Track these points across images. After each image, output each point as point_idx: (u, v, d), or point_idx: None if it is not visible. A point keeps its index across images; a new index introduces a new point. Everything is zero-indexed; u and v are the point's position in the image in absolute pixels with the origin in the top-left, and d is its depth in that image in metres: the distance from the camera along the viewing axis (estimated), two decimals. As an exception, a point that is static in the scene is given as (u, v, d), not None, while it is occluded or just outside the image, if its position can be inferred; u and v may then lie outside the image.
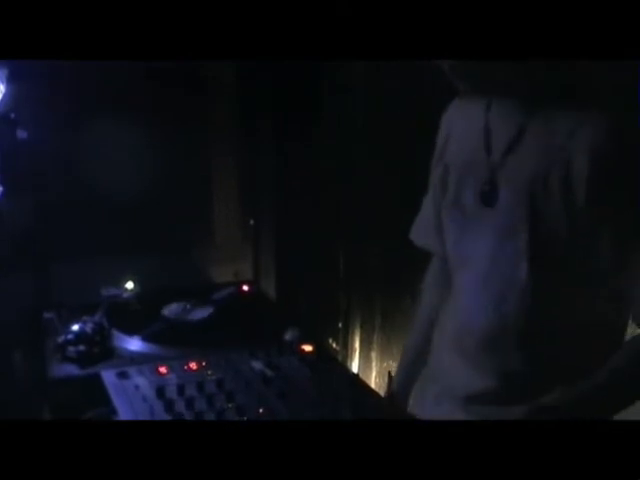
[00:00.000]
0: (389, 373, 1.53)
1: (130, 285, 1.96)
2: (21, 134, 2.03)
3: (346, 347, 2.76)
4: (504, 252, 1.26)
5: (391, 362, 2.63)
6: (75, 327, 1.66)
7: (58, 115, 2.22)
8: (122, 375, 1.52)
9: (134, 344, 1.72)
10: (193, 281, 2.54)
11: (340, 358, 2.67)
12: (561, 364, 1.26)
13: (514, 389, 1.29)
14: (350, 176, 2.57)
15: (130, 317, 1.85)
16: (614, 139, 1.13)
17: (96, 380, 1.51)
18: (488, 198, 1.28)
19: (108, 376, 1.51)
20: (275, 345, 1.66)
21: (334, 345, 2.78)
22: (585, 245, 1.18)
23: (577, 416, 1.18)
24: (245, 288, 2.18)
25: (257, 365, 1.58)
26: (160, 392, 1.43)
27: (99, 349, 1.65)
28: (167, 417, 1.35)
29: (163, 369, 1.55)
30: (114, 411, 1.37)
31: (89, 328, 1.66)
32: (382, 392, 1.52)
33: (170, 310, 1.91)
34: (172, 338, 1.75)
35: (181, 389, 1.44)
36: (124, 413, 1.36)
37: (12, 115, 1.99)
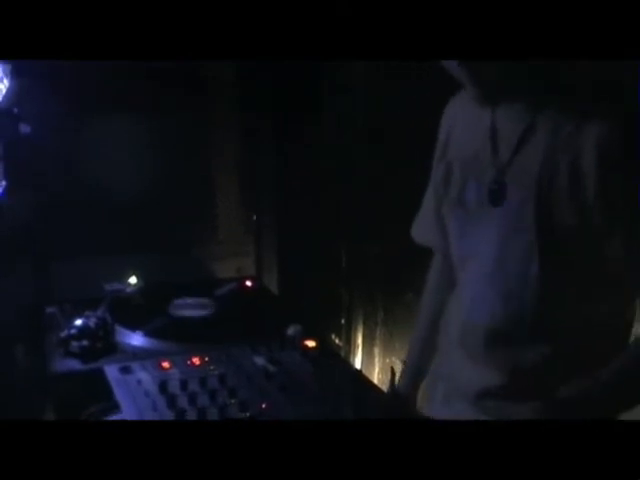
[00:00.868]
0: (392, 369, 1.53)
1: (133, 280, 1.97)
2: (24, 129, 2.05)
3: (349, 343, 2.76)
4: (512, 249, 1.26)
5: (394, 358, 2.63)
6: (78, 322, 1.67)
7: (59, 113, 2.22)
8: (125, 370, 1.53)
9: (137, 339, 1.73)
10: (196, 277, 2.55)
11: (343, 354, 2.67)
12: (570, 360, 1.26)
13: (523, 386, 1.29)
14: (350, 176, 2.57)
15: (133, 312, 1.87)
16: (621, 134, 1.14)
17: (99, 375, 1.52)
18: (496, 197, 1.28)
19: (111, 371, 1.53)
20: (277, 340, 1.67)
21: (337, 341, 2.78)
22: (594, 241, 1.18)
23: (586, 414, 1.19)
24: (248, 284, 2.19)
25: (259, 360, 1.59)
26: (163, 387, 1.44)
27: (102, 344, 1.66)
28: (169, 412, 1.36)
29: (166, 364, 1.56)
30: (117, 406, 1.38)
31: (92, 323, 1.67)
32: (385, 388, 1.52)
33: (173, 305, 1.93)
34: (175, 333, 1.76)
35: (184, 384, 1.45)
36: (127, 408, 1.37)
37: (15, 110, 2.00)
